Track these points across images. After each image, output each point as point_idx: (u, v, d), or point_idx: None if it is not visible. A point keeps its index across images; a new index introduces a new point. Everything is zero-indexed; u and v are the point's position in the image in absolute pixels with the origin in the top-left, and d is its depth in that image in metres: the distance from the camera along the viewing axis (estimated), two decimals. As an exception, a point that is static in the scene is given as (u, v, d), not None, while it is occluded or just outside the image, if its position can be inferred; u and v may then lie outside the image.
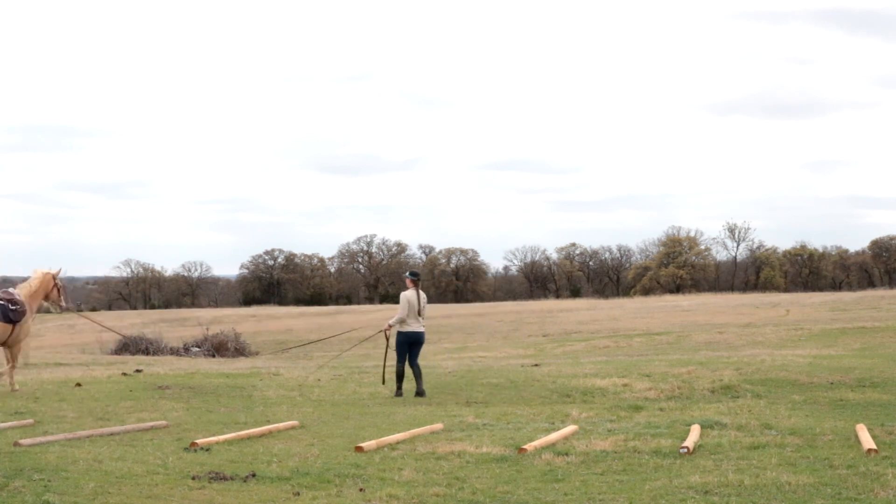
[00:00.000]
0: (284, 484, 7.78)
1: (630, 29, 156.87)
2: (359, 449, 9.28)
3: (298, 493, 7.43)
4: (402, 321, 14.52)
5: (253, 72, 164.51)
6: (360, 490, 7.54)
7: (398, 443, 9.74)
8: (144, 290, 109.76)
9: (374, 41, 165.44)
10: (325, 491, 7.52)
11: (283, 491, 7.52)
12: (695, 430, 10.03)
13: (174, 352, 35.44)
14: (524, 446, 9.21)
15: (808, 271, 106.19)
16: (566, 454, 8.94)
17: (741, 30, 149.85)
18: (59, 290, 14.92)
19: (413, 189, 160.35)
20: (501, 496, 7.32)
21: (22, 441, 9.38)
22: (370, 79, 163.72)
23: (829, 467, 8.17)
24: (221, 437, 9.93)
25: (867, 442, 9.08)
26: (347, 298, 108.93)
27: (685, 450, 8.94)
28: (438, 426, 10.90)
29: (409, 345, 14.62)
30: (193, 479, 7.91)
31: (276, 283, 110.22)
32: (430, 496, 7.31)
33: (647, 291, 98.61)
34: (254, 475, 8.05)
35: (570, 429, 10.46)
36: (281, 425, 10.95)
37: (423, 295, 14.62)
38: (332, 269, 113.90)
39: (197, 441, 9.59)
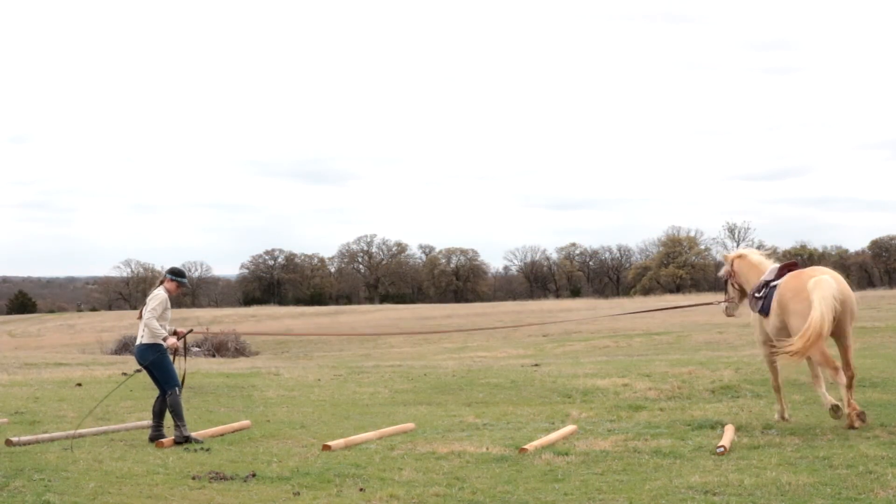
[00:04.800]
0: (284, 484, 7.78)
1: (629, 31, 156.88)
2: (326, 447, 9.31)
3: (298, 493, 7.43)
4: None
5: (252, 73, 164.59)
6: (360, 490, 7.54)
7: (365, 442, 9.77)
8: (144, 290, 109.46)
9: (375, 43, 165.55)
10: (325, 491, 7.52)
11: (283, 491, 7.52)
12: (729, 430, 9.97)
13: (174, 352, 35.41)
14: (525, 446, 9.21)
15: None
16: (566, 454, 8.94)
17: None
18: None
19: (413, 189, 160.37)
20: (501, 496, 7.32)
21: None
22: (370, 79, 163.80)
23: (828, 467, 8.16)
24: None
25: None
26: (347, 298, 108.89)
27: (722, 449, 8.92)
28: (410, 426, 10.89)
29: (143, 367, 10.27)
30: (193, 478, 7.91)
31: (276, 283, 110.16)
32: (430, 496, 7.31)
33: (647, 291, 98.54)
34: (254, 475, 8.05)
35: (569, 429, 10.46)
36: (235, 425, 11.01)
37: (150, 295, 10.25)
38: (333, 269, 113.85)
39: (163, 441, 9.74)
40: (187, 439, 9.83)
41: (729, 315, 12.04)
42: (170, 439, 9.79)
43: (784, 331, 10.63)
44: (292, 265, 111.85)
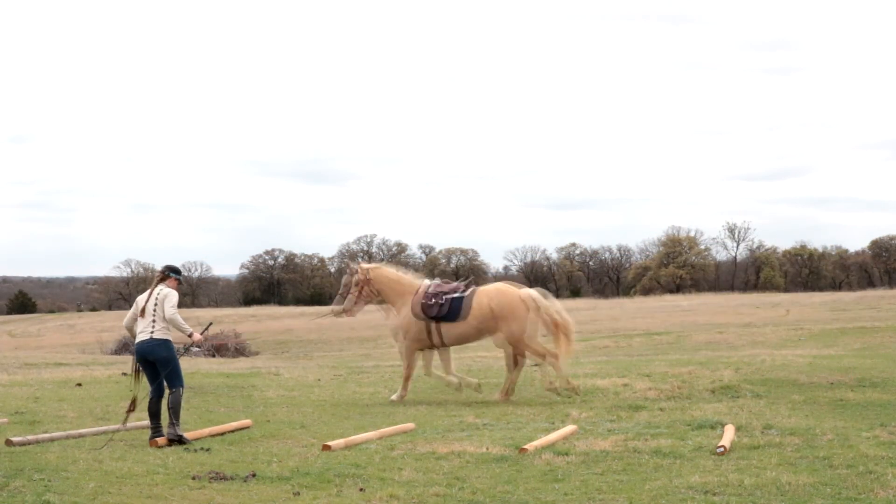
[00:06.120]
0: (284, 484, 7.78)
1: (629, 31, 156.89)
2: (326, 447, 9.31)
3: (298, 493, 7.43)
4: (128, 329, 10.39)
5: (252, 73, 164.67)
6: (360, 490, 7.54)
7: (365, 442, 9.78)
8: (145, 290, 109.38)
9: (375, 43, 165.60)
10: (325, 491, 7.52)
11: (283, 491, 7.52)
12: (729, 430, 9.97)
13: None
14: (525, 446, 9.21)
15: (808, 271, 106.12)
16: (566, 454, 8.94)
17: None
18: None
19: (413, 189, 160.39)
20: (501, 496, 7.32)
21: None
22: (370, 79, 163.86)
23: (829, 467, 8.17)
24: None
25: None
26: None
27: (722, 449, 8.93)
28: (410, 426, 10.90)
29: (143, 363, 10.15)
30: (193, 478, 7.91)
31: (277, 283, 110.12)
32: (430, 496, 7.30)
33: (647, 291, 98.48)
34: (254, 475, 8.05)
35: (569, 429, 10.45)
36: (234, 424, 10.99)
37: (160, 291, 10.18)
38: (333, 269, 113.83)
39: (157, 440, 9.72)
40: (180, 438, 9.81)
41: (350, 315, 14.73)
42: (164, 438, 9.76)
43: (480, 334, 13.98)
44: (292, 265, 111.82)
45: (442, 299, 13.79)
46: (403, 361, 14.24)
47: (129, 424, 10.88)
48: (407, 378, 14.05)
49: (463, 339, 14.16)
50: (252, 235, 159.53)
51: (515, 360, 13.98)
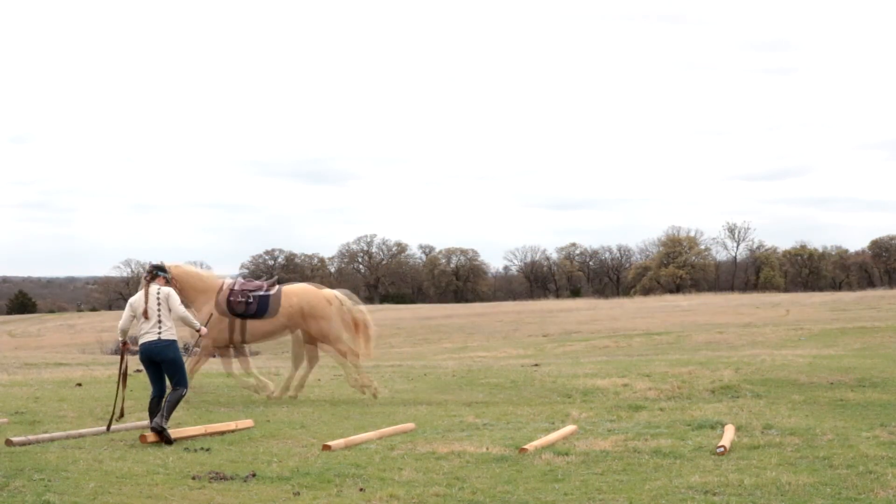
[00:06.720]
0: (284, 484, 7.78)
1: (628, 31, 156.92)
2: (326, 447, 9.31)
3: (298, 493, 7.43)
4: (124, 332, 10.38)
5: (252, 72, 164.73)
6: (360, 490, 7.54)
7: (365, 442, 9.78)
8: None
9: (375, 43, 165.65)
10: (325, 491, 7.52)
11: (283, 491, 7.52)
12: (729, 430, 9.98)
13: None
14: (525, 446, 9.21)
15: (807, 271, 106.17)
16: (566, 454, 8.94)
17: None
18: None
19: (413, 189, 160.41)
20: (501, 496, 7.32)
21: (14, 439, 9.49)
22: (370, 79, 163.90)
23: (829, 467, 8.17)
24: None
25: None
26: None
27: (722, 449, 8.93)
28: (410, 426, 10.90)
29: (147, 364, 10.17)
30: (193, 478, 7.91)
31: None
32: (430, 496, 7.30)
33: (647, 291, 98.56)
34: (254, 475, 8.05)
35: (569, 429, 10.46)
36: (231, 424, 10.97)
37: (159, 291, 10.15)
38: (333, 270, 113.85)
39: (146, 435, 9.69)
40: (163, 430, 9.73)
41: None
42: (153, 434, 9.69)
43: (284, 331, 14.40)
44: (292, 265, 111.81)
45: (249, 297, 14.02)
46: (194, 358, 14.28)
47: (129, 424, 10.88)
48: (191, 371, 13.81)
49: (267, 336, 14.46)
50: (252, 235, 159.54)
51: (311, 361, 14.59)
